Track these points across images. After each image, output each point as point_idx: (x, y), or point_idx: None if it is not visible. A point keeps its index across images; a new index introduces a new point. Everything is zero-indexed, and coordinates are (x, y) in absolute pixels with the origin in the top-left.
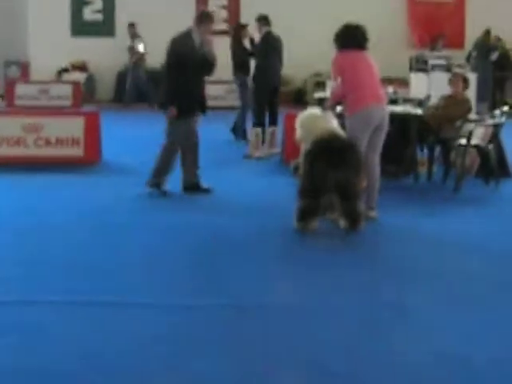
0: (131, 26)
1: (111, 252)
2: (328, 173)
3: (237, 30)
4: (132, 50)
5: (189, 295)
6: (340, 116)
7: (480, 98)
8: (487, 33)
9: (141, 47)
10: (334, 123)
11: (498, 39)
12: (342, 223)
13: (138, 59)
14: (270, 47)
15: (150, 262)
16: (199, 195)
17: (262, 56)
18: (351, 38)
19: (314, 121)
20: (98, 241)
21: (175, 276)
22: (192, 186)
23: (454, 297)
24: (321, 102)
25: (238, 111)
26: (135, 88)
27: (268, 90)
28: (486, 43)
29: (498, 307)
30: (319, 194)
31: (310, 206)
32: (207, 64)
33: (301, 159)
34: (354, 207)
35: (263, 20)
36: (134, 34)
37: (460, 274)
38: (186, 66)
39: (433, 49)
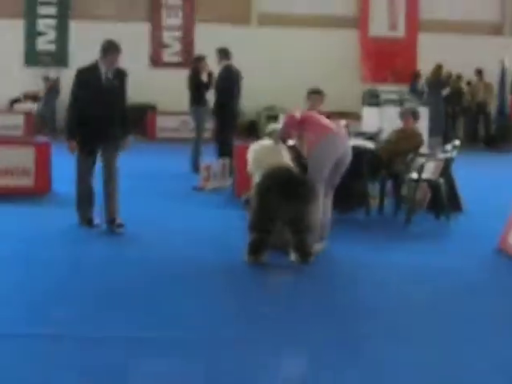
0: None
1: (29, 284)
2: (279, 206)
3: (195, 62)
4: (46, 78)
5: (124, 327)
6: (292, 148)
7: (432, 132)
8: (439, 68)
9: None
10: (286, 155)
11: (450, 75)
12: (293, 256)
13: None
14: (231, 80)
15: (75, 295)
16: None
17: (223, 89)
18: None
19: (264, 153)
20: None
21: (109, 308)
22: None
23: (402, 332)
24: (271, 134)
25: (193, 144)
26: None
27: (232, 121)
28: (437, 79)
29: (445, 341)
30: (270, 228)
31: (261, 240)
32: (115, 97)
33: (251, 192)
34: (304, 241)
35: (223, 53)
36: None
37: (408, 310)
38: (89, 99)
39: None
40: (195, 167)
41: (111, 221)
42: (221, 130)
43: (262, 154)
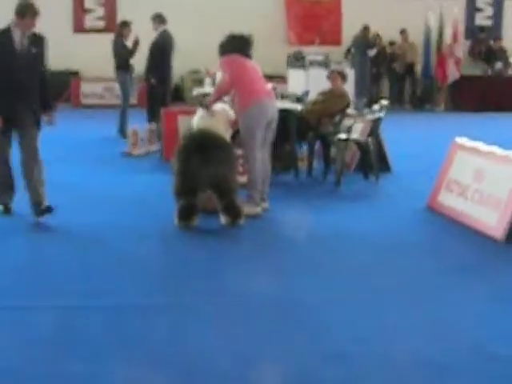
0: None
1: None
2: (199, 170)
3: (120, 28)
4: None
5: (65, 296)
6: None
7: (358, 93)
8: (365, 29)
9: None
10: (220, 120)
11: (377, 36)
12: (223, 219)
13: None
14: (168, 45)
15: (29, 264)
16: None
17: (159, 54)
18: (235, 47)
19: (195, 120)
20: None
21: (53, 277)
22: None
23: (340, 291)
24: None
25: (120, 109)
26: None
27: (164, 87)
28: (364, 40)
29: (376, 301)
30: (195, 192)
31: (189, 204)
32: (32, 65)
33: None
34: (232, 202)
35: (159, 18)
36: None
37: (342, 269)
38: (1, 68)
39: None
40: (123, 133)
41: (37, 204)
42: (151, 95)
43: (193, 121)
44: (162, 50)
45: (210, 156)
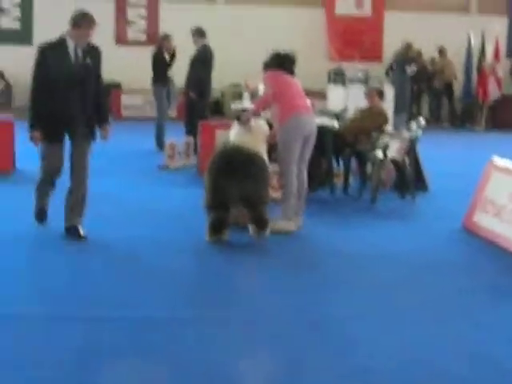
0: None
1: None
2: (230, 185)
3: (161, 41)
4: None
5: (98, 307)
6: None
7: (398, 110)
8: (407, 46)
9: None
10: (257, 135)
11: (419, 53)
12: (250, 229)
13: None
14: (208, 59)
15: (62, 274)
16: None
17: (199, 68)
18: (280, 65)
19: (232, 134)
20: None
21: (85, 288)
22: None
23: (370, 310)
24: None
25: (156, 122)
26: None
27: (203, 101)
28: (405, 57)
29: (411, 320)
30: (226, 207)
31: (220, 219)
32: (87, 77)
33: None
34: (260, 214)
35: (198, 32)
36: None
37: (377, 286)
38: (56, 80)
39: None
40: (160, 146)
41: (71, 228)
42: (190, 108)
43: (230, 135)
44: (202, 64)
45: (240, 171)
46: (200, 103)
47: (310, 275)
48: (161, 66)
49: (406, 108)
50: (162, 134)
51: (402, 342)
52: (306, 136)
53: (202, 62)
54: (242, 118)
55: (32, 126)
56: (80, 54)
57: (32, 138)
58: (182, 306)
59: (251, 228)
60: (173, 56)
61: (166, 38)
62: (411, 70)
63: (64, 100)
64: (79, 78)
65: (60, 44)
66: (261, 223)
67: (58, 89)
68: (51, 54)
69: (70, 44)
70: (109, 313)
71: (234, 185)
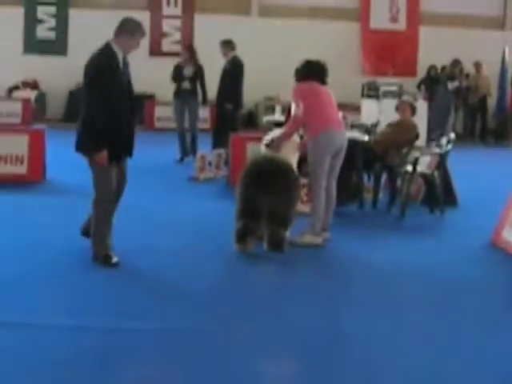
0: None
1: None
2: (258, 196)
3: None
4: None
5: (113, 318)
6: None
7: (439, 126)
8: (456, 62)
9: None
10: (290, 149)
11: (461, 69)
12: (264, 245)
13: None
14: (239, 71)
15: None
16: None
17: (230, 79)
18: (311, 72)
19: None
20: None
21: (97, 298)
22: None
23: (396, 326)
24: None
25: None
26: None
27: (237, 112)
28: (447, 72)
29: (438, 336)
30: (253, 216)
31: (247, 227)
32: (129, 89)
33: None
34: (276, 232)
35: (229, 44)
36: None
37: (402, 302)
38: (114, 95)
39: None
40: (182, 157)
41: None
42: (223, 120)
43: (262, 148)
44: (233, 76)
45: (270, 183)
46: (232, 115)
47: (336, 289)
48: (175, 79)
49: (448, 124)
50: (183, 146)
51: (423, 360)
52: (337, 150)
53: (234, 73)
54: (271, 146)
55: (99, 146)
56: (125, 64)
57: (99, 160)
58: (203, 317)
59: (265, 244)
60: (199, 69)
61: (186, 48)
62: (452, 85)
63: (122, 114)
64: (128, 89)
65: (111, 54)
66: (275, 242)
67: (115, 103)
68: (109, 66)
69: (119, 54)
70: (127, 323)
71: (263, 196)
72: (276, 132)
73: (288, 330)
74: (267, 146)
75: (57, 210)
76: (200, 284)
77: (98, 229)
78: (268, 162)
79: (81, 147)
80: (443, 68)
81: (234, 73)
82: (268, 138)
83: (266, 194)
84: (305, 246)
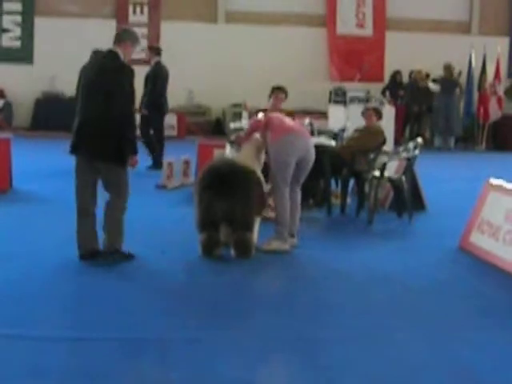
0: None
1: None
2: (215, 203)
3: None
4: None
5: (77, 328)
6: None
7: (447, 133)
8: (448, 68)
9: None
10: (247, 154)
11: (459, 74)
12: (232, 251)
13: None
14: (161, 76)
15: (38, 294)
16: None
17: (150, 85)
18: None
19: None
20: None
21: (64, 308)
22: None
23: (363, 329)
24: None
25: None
26: None
27: (160, 117)
28: (449, 79)
29: (404, 341)
30: (215, 226)
31: (211, 239)
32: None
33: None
34: (241, 237)
35: (154, 50)
36: None
37: (369, 307)
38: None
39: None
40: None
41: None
42: (146, 125)
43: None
44: (153, 82)
45: (226, 189)
46: (156, 124)
47: (304, 295)
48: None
49: (454, 129)
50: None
51: (390, 364)
52: (301, 157)
53: (154, 79)
54: (233, 139)
55: (137, 150)
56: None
57: (134, 162)
58: (173, 327)
59: (232, 251)
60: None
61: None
62: (435, 87)
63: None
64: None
65: (124, 63)
66: (242, 248)
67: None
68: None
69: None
70: (98, 334)
71: (219, 203)
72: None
73: (253, 337)
74: (231, 142)
75: (24, 218)
76: (164, 292)
77: (122, 227)
78: (221, 166)
79: (112, 155)
80: (411, 73)
81: (154, 79)
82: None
83: (225, 198)
84: (272, 252)
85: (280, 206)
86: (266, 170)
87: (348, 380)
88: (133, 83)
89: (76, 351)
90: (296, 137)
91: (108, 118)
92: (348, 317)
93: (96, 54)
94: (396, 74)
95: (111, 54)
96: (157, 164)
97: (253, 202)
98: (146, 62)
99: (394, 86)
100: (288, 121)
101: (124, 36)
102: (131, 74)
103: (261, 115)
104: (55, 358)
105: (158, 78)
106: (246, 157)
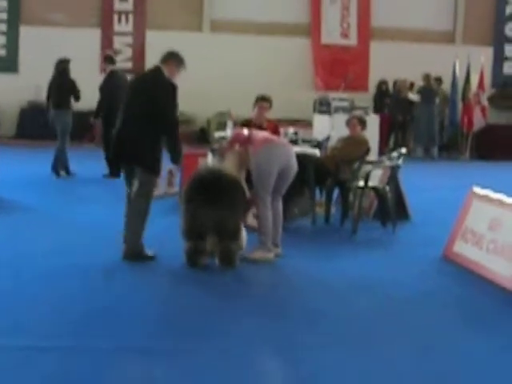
0: None
1: None
2: (202, 212)
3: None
4: None
5: (65, 337)
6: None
7: (430, 142)
8: (427, 77)
9: None
10: (230, 163)
11: (440, 82)
12: (217, 261)
13: None
14: (115, 85)
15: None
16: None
17: (101, 95)
18: None
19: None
20: None
21: (53, 317)
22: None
23: (346, 341)
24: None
25: None
26: None
27: (108, 126)
28: (428, 88)
29: (387, 350)
30: (200, 236)
31: (195, 248)
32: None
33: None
34: (226, 248)
35: (107, 59)
36: None
37: (352, 316)
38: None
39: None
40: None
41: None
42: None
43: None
44: (104, 92)
45: (212, 197)
46: (106, 129)
47: (286, 304)
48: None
49: (437, 138)
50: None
51: (373, 371)
52: (282, 166)
53: (104, 89)
54: (217, 151)
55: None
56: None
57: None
58: (153, 336)
59: (217, 261)
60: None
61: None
62: (414, 97)
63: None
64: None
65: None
66: (227, 258)
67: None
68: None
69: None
70: (79, 342)
71: (205, 212)
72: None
73: (236, 346)
74: (213, 151)
75: (10, 227)
76: (148, 302)
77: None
78: (206, 175)
79: (150, 165)
80: (395, 83)
81: (104, 88)
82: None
83: (211, 207)
84: (256, 261)
85: (262, 216)
86: (248, 179)
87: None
88: (174, 97)
89: (64, 361)
90: (276, 146)
91: (148, 129)
92: (331, 324)
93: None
94: (382, 84)
95: (156, 70)
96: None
97: (239, 210)
98: (130, 71)
99: (380, 96)
100: (269, 135)
101: (169, 57)
102: (172, 88)
103: (246, 131)
104: (42, 368)
105: (111, 88)
106: (230, 166)
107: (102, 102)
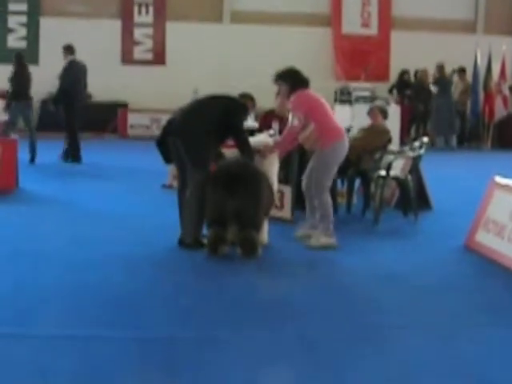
0: None
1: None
2: (225, 201)
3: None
4: None
5: (84, 326)
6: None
7: (448, 132)
8: (441, 67)
9: None
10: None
11: (463, 73)
12: (238, 250)
13: None
14: (72, 74)
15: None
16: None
17: (63, 82)
18: (303, 81)
19: None
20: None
21: (71, 307)
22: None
23: (368, 328)
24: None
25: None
26: None
27: (72, 113)
28: (443, 78)
29: (411, 340)
30: (223, 224)
31: (217, 236)
32: None
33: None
34: (247, 236)
35: (67, 49)
36: None
37: (376, 306)
38: None
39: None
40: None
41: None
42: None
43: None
44: (67, 79)
45: (236, 187)
46: (66, 114)
47: (309, 295)
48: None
49: (454, 127)
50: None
51: (397, 363)
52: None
53: (67, 76)
54: (261, 153)
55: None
56: None
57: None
58: (179, 325)
59: (238, 249)
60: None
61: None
62: (434, 88)
63: None
64: None
65: None
66: (248, 246)
67: None
68: None
69: None
70: (106, 332)
71: (229, 201)
72: (261, 137)
73: (261, 335)
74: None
75: (31, 217)
76: (170, 291)
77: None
78: (236, 164)
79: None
80: (416, 72)
81: (68, 75)
82: (255, 141)
83: (233, 197)
84: (321, 248)
85: (327, 203)
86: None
87: (354, 377)
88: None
89: (82, 350)
90: (343, 142)
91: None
92: (354, 315)
93: None
94: (404, 74)
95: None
96: (67, 155)
97: (262, 202)
98: (150, 62)
99: (402, 86)
100: (333, 120)
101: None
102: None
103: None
104: (60, 358)
105: (66, 76)
106: (265, 162)
107: (62, 89)
